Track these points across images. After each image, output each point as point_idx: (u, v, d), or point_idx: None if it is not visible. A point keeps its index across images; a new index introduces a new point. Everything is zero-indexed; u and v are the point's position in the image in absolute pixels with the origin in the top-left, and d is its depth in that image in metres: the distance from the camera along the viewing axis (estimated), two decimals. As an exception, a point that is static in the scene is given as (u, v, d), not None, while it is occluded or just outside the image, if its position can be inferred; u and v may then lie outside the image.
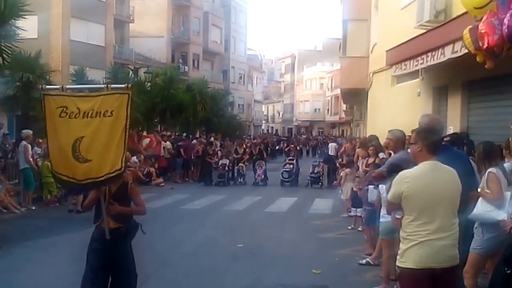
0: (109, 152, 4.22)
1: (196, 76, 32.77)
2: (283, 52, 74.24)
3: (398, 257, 3.40)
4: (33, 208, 11.25)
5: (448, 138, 5.90)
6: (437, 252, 3.24)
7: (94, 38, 28.21)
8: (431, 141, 3.42)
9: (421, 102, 12.45)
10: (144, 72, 23.98)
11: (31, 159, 11.31)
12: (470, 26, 6.60)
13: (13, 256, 7.21)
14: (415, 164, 3.48)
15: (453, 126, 10.11)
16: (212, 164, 17.80)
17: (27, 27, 13.17)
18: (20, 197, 11.33)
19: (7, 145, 13.12)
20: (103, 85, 4.51)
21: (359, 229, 8.91)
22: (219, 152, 19.60)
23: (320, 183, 16.84)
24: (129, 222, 4.72)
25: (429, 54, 9.60)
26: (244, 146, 20.63)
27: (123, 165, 4.24)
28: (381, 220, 5.92)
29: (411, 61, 10.87)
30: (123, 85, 4.40)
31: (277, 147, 33.50)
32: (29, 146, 11.34)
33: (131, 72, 22.44)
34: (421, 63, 10.18)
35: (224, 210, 11.95)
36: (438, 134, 3.61)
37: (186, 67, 38.77)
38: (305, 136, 48.73)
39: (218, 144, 22.01)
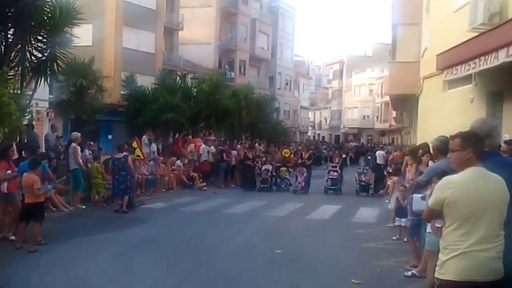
0: None
1: (243, 82, 33.03)
2: (331, 58, 73.46)
3: (437, 268, 3.18)
4: (83, 207, 11.66)
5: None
6: (480, 264, 3.02)
7: (144, 45, 29.14)
8: (481, 147, 3.22)
9: (474, 109, 11.84)
10: (191, 78, 24.43)
11: (80, 160, 11.74)
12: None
13: (58, 252, 7.49)
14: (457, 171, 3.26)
15: (508, 134, 9.52)
16: (255, 169, 17.75)
17: (83, 35, 13.75)
18: (69, 197, 11.77)
19: (59, 147, 13.72)
20: None
21: (405, 240, 8.54)
22: (264, 158, 19.58)
23: (370, 192, 16.43)
24: None
25: (482, 58, 9.12)
26: (288, 153, 20.52)
27: None
28: (429, 230, 5.63)
29: (463, 66, 10.37)
30: None
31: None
32: (78, 148, 11.77)
33: (178, 78, 22.92)
34: (473, 68, 9.69)
35: (265, 216, 11.87)
36: (484, 139, 3.37)
37: (232, 73, 39.20)
38: (354, 144, 47.83)
39: (262, 149, 22.01)
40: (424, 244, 5.91)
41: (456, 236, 3.07)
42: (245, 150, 18.95)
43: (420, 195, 6.09)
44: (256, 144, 22.54)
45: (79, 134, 12.19)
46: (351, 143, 49.33)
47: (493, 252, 3.04)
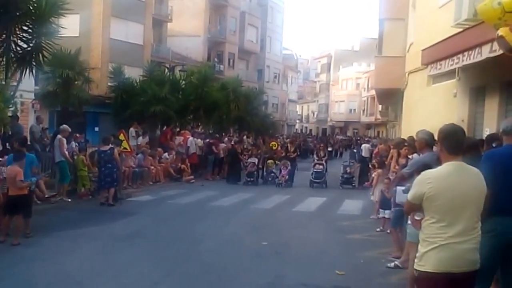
0: None
1: (231, 75, 32.94)
2: (320, 52, 73.60)
3: (416, 260, 3.27)
4: (69, 200, 11.60)
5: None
6: (457, 256, 3.11)
7: (133, 36, 28.83)
8: (451, 142, 3.28)
9: (457, 103, 12.05)
10: (179, 70, 24.32)
11: (66, 153, 11.65)
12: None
13: (42, 245, 7.44)
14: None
15: (489, 128, 9.71)
16: (243, 162, 17.76)
17: (69, 26, 13.57)
18: (55, 189, 11.69)
19: (45, 139, 13.60)
20: None
21: (388, 231, 8.69)
22: (251, 151, 19.58)
23: (353, 184, 16.59)
24: None
25: (465, 53, 9.27)
26: (276, 145, 20.58)
27: None
28: (410, 222, 5.74)
29: (447, 61, 10.54)
30: None
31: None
32: (64, 140, 11.67)
33: (167, 70, 22.78)
34: (457, 63, 9.85)
35: (251, 208, 11.94)
36: (462, 134, 3.42)
37: (221, 66, 39.06)
38: (340, 137, 48.10)
39: (250, 142, 22.01)
40: (406, 235, 6.03)
41: (435, 228, 3.15)
42: (232, 144, 18.95)
43: (403, 188, 6.21)
44: (244, 137, 22.55)
45: (68, 127, 12.07)
46: (337, 136, 49.62)
47: (470, 244, 3.14)
